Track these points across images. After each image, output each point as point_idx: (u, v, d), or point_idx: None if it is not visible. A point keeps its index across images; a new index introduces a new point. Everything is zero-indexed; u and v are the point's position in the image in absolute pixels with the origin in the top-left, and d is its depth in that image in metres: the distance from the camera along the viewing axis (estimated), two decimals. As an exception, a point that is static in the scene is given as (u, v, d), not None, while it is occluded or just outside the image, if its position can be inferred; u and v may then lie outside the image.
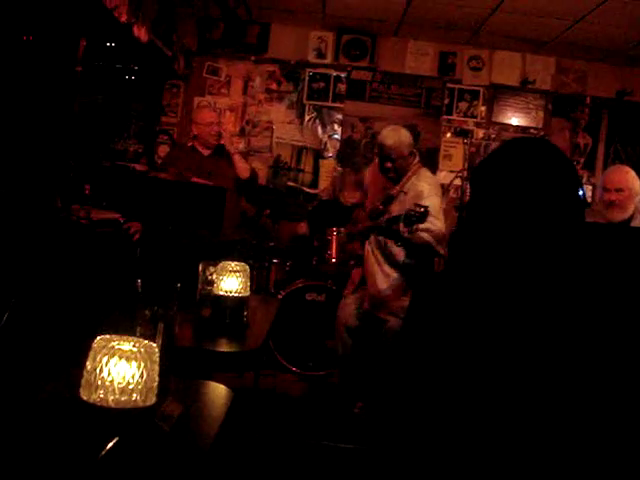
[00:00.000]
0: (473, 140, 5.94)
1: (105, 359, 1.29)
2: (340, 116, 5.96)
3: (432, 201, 3.52)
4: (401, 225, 3.34)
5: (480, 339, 1.25)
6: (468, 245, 1.36)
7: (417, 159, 3.80)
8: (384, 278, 3.73)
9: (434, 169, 5.97)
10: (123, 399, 1.28)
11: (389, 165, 3.69)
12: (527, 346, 1.23)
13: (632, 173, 3.39)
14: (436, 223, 3.52)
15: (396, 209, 3.63)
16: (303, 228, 4.73)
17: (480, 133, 5.98)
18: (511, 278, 1.28)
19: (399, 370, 1.43)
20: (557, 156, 1.35)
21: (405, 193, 3.69)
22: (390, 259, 3.74)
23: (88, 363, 1.31)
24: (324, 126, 5.88)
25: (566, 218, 1.29)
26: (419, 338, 1.35)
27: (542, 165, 1.32)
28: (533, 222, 1.28)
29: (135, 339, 1.36)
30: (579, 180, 1.34)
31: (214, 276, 2.50)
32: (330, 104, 5.95)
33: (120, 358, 1.30)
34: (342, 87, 5.96)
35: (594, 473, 1.20)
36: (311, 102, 5.96)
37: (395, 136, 3.69)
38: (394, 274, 3.73)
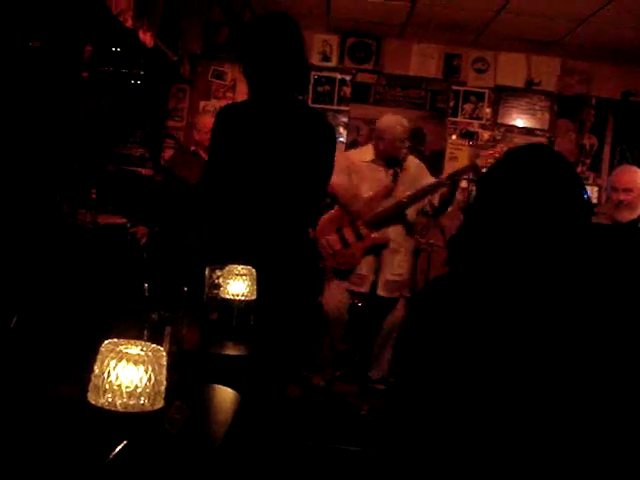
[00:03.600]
0: (479, 142, 5.94)
1: (113, 363, 1.30)
2: (345, 119, 5.96)
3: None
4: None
5: (484, 343, 1.25)
6: (471, 250, 1.36)
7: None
8: (404, 259, 4.07)
9: (439, 171, 5.97)
10: (131, 403, 1.29)
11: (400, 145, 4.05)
12: (532, 350, 1.23)
13: None
14: None
15: (405, 181, 4.02)
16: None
17: (486, 135, 5.98)
18: (517, 282, 1.28)
19: (402, 375, 1.43)
20: (561, 162, 1.35)
21: (406, 169, 4.06)
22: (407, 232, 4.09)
23: (96, 367, 1.31)
24: (329, 129, 5.88)
25: (572, 224, 1.29)
26: (421, 343, 1.35)
27: (548, 171, 1.32)
28: (539, 227, 1.28)
29: (143, 343, 1.36)
30: (583, 185, 1.35)
31: (220, 280, 2.50)
32: (335, 107, 5.95)
33: (128, 362, 1.30)
34: (347, 90, 5.97)
35: (595, 475, 1.20)
36: (316, 105, 5.96)
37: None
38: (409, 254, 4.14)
